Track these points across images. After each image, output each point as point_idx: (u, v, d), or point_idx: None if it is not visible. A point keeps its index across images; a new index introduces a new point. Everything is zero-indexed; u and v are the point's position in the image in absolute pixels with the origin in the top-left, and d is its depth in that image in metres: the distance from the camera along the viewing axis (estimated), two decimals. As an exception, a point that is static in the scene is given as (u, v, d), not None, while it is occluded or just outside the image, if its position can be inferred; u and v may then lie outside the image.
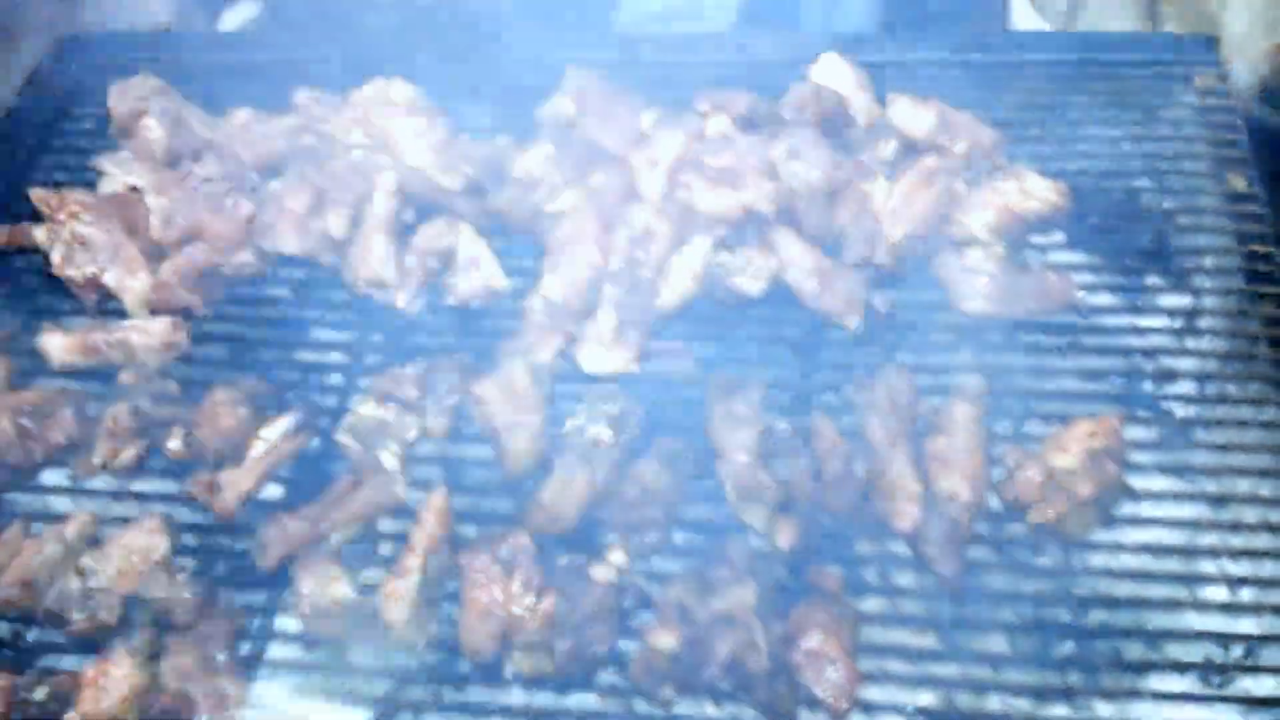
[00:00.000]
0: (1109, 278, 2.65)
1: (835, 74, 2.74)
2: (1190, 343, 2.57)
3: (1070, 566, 2.26)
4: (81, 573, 2.17)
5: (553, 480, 2.24)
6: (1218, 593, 2.25)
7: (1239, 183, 2.73)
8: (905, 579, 2.30)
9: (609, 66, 2.94)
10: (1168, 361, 2.52)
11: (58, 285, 2.67)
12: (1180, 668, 2.15)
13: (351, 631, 2.16)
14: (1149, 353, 2.52)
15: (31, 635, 2.24)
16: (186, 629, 2.13)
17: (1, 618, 2.23)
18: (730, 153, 2.55)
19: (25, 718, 2.05)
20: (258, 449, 2.35)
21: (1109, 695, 2.16)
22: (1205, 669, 2.17)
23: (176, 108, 2.86)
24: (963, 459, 2.24)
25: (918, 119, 2.68)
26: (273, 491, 2.42)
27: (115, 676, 2.05)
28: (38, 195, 2.72)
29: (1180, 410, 2.47)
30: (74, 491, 2.44)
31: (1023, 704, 2.15)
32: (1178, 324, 2.58)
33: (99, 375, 2.54)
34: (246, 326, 2.68)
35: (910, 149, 2.71)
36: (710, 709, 2.13)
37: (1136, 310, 2.62)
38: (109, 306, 2.66)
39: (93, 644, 2.15)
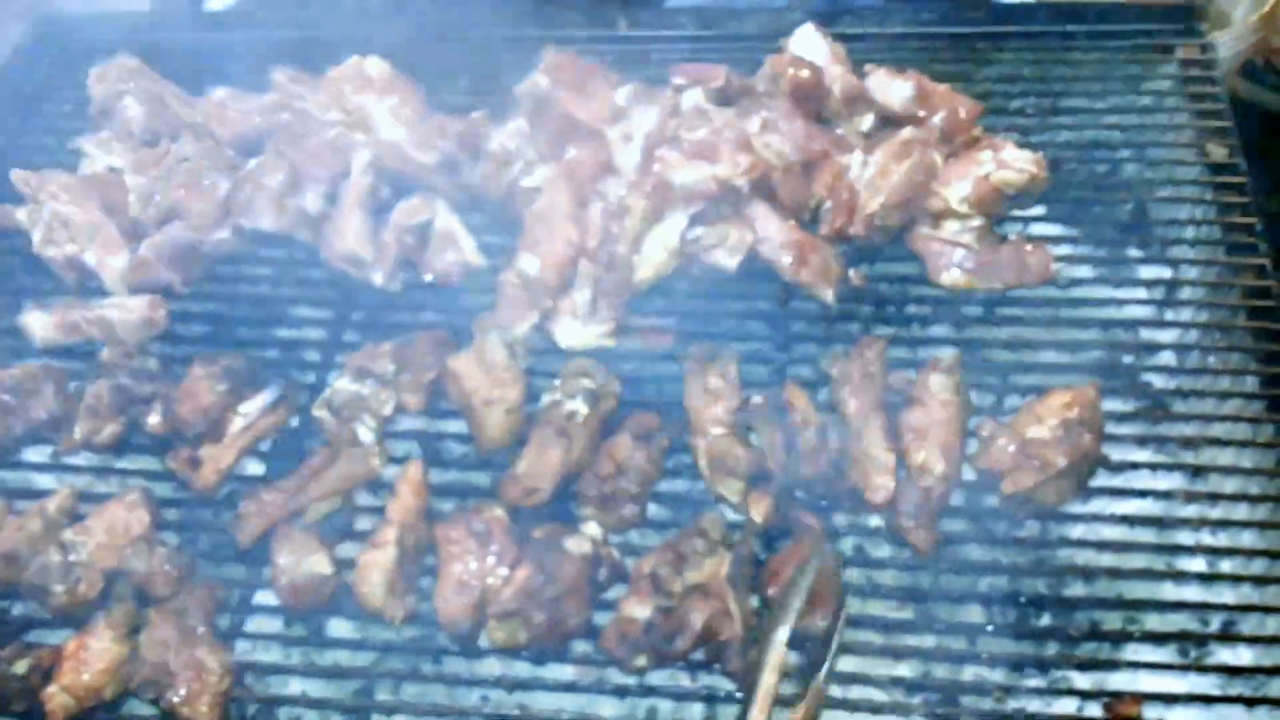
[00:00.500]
0: (1089, 250, 2.65)
1: (812, 46, 2.72)
2: (1170, 314, 2.57)
3: (1048, 538, 2.27)
4: (63, 547, 2.18)
5: (527, 453, 2.25)
6: (1196, 564, 2.25)
7: (1220, 153, 2.72)
8: (882, 551, 2.31)
9: (586, 42, 2.94)
10: (1148, 333, 2.52)
11: (39, 265, 2.69)
12: (1158, 639, 2.15)
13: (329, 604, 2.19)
14: (1129, 325, 2.52)
15: (13, 609, 2.27)
16: (166, 602, 2.14)
17: (-16, 592, 2.26)
18: (705, 127, 2.54)
19: (6, 690, 2.07)
20: (237, 425, 2.36)
21: (1086, 666, 2.18)
22: (1183, 640, 2.18)
23: (155, 88, 2.87)
24: (937, 431, 2.24)
25: (895, 91, 2.67)
26: (255, 468, 2.44)
27: (95, 649, 2.07)
28: (18, 176, 2.73)
29: (1160, 382, 2.47)
30: (56, 468, 2.46)
31: (999, 675, 2.17)
32: (1158, 295, 2.58)
33: (80, 353, 2.56)
34: (227, 304, 2.69)
35: (888, 121, 2.70)
36: (685, 680, 2.15)
37: (1117, 282, 2.62)
38: (90, 286, 2.67)
39: (74, 618, 2.16)
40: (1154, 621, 2.19)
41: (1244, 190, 2.64)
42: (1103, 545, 2.22)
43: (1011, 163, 2.55)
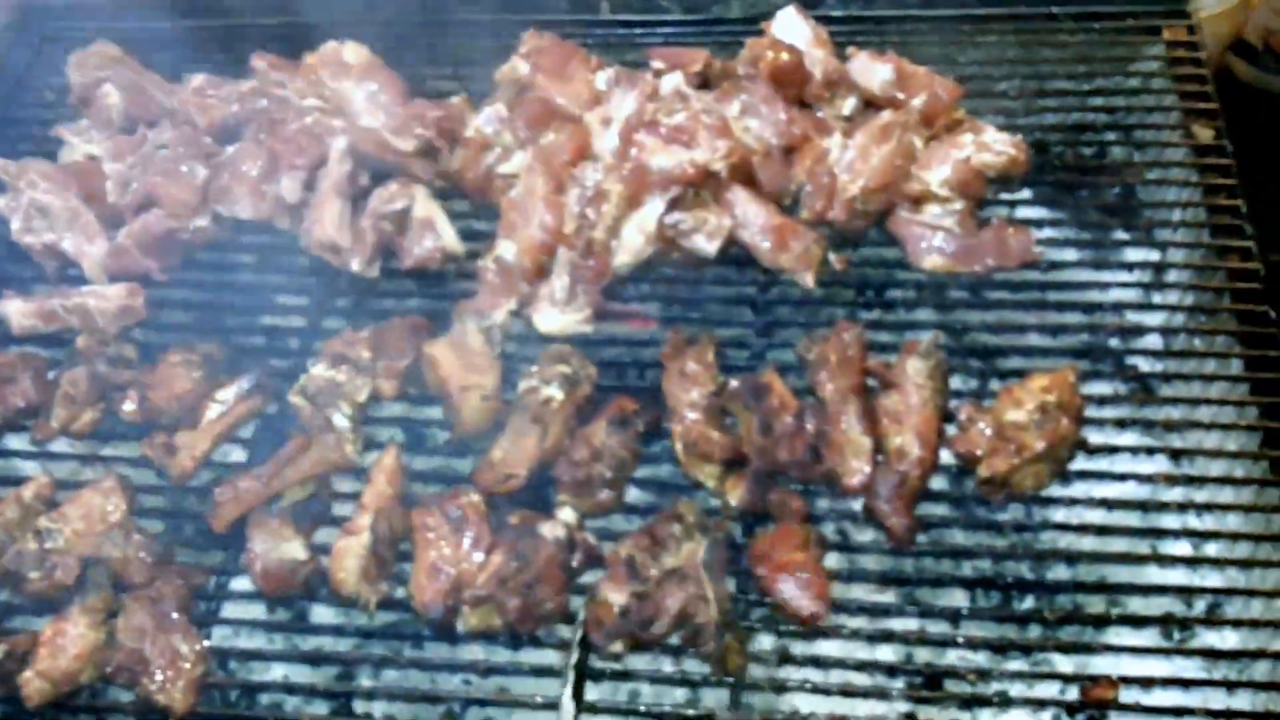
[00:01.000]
0: (1075, 232, 2.64)
1: (794, 29, 2.72)
2: (1155, 297, 2.55)
3: (1031, 521, 2.26)
4: (39, 534, 2.18)
5: (503, 440, 2.25)
6: (1181, 547, 2.24)
7: (1206, 134, 2.70)
8: (864, 535, 2.30)
9: (569, 27, 2.93)
10: (1133, 316, 2.50)
11: (17, 253, 2.69)
12: (1141, 622, 2.14)
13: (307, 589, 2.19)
14: (1114, 307, 2.50)
15: (-10, 596, 2.27)
16: (142, 589, 2.14)
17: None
18: (684, 111, 2.53)
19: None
20: (213, 411, 2.36)
21: (1069, 650, 2.17)
22: (1167, 623, 2.17)
23: (135, 76, 2.87)
24: (914, 415, 2.23)
25: (875, 73, 2.66)
26: (239, 455, 2.45)
27: (71, 636, 2.07)
28: (-3, 165, 2.74)
29: (1145, 365, 2.46)
30: (39, 455, 2.46)
31: (981, 659, 2.17)
32: (1143, 278, 2.56)
33: (59, 341, 2.56)
34: (208, 292, 2.69)
35: (871, 105, 2.69)
36: (665, 665, 2.15)
37: (1102, 265, 2.61)
38: (69, 274, 2.67)
39: (50, 604, 2.16)
40: (1137, 605, 2.18)
41: (1230, 172, 2.62)
42: (1086, 529, 2.21)
43: (991, 145, 2.54)
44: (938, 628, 2.16)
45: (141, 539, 2.20)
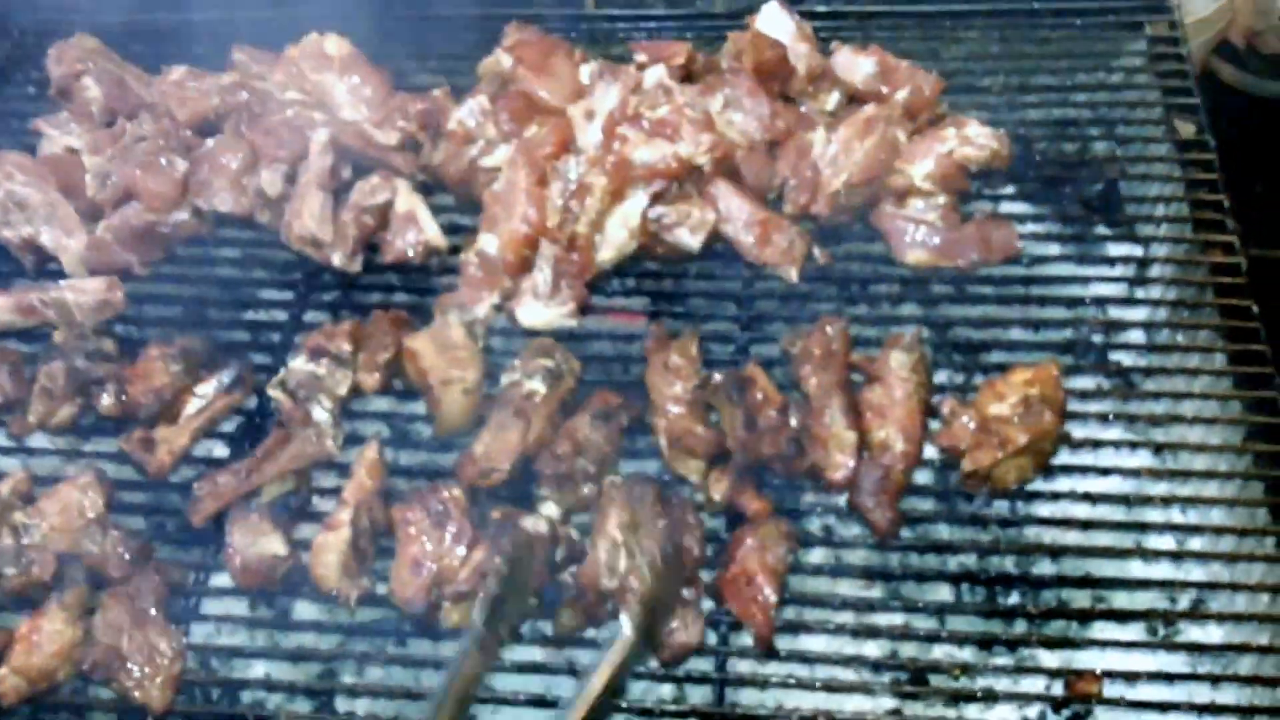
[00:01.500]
0: (1058, 228, 2.63)
1: (778, 23, 2.71)
2: (1139, 292, 2.56)
3: (1016, 516, 2.25)
4: (15, 530, 2.16)
5: (486, 433, 2.24)
6: (1165, 542, 2.24)
7: (1188, 129, 2.71)
8: (850, 530, 2.30)
9: (553, 21, 2.92)
10: (1116, 311, 2.50)
11: (-3, 247, 2.67)
12: (1126, 617, 2.15)
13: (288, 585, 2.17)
14: (1097, 302, 2.50)
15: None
16: (121, 585, 2.12)
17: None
18: (668, 104, 2.52)
19: (-42, 673, 2.05)
20: (192, 406, 2.34)
21: (1054, 645, 2.16)
22: (1152, 618, 2.18)
23: (115, 68, 2.85)
24: (897, 409, 2.22)
25: (858, 67, 2.66)
26: (222, 451, 2.43)
27: (48, 632, 2.05)
28: (-27, 157, 2.71)
29: (1128, 360, 2.46)
30: (11, 450, 2.44)
31: (967, 654, 2.16)
32: (1126, 273, 2.57)
33: (38, 335, 2.54)
34: (189, 286, 2.67)
35: (854, 99, 2.69)
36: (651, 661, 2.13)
37: (1085, 260, 2.61)
38: (49, 268, 2.65)
39: (27, 600, 2.14)
40: (1122, 599, 2.19)
41: (1212, 167, 2.62)
42: (1071, 523, 2.21)
43: (974, 139, 2.54)
44: (923, 623, 2.14)
45: (120, 535, 2.17)
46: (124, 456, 2.33)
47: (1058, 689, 2.08)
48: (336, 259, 2.55)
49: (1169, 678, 2.04)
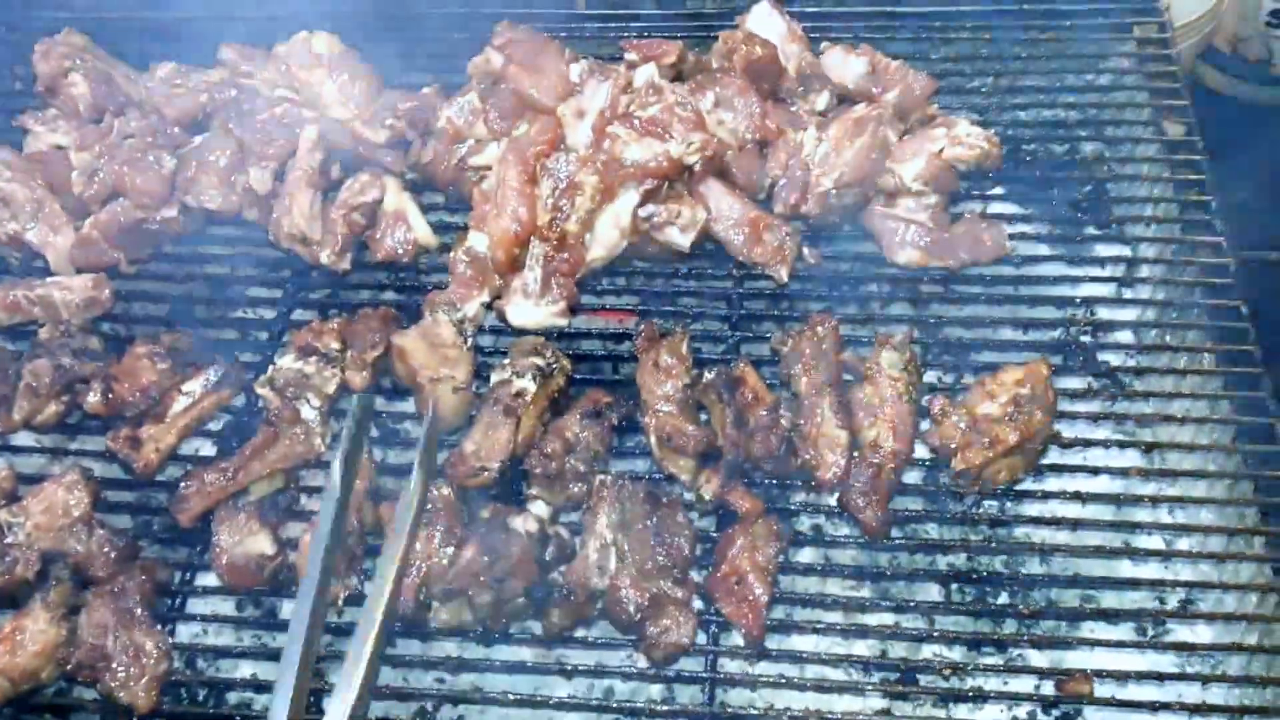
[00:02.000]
0: (1047, 228, 2.64)
1: (768, 23, 2.72)
2: (1127, 293, 2.56)
3: (1005, 515, 2.25)
4: (0, 528, 2.14)
5: (476, 432, 2.22)
6: (1154, 542, 2.24)
7: (1177, 130, 2.72)
8: (839, 529, 2.29)
9: (543, 20, 2.91)
10: (1105, 311, 2.51)
11: (-18, 244, 2.65)
12: (1116, 616, 2.15)
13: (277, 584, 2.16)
14: (1086, 303, 2.50)
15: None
16: (106, 584, 2.10)
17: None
18: (659, 103, 2.52)
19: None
20: (179, 404, 2.33)
21: (1044, 644, 2.16)
22: (1141, 617, 2.18)
23: (102, 65, 2.84)
24: (888, 408, 2.22)
25: (849, 67, 2.66)
26: (210, 450, 2.41)
27: (32, 632, 2.04)
28: (-42, 155, 2.69)
29: (1117, 359, 2.46)
30: (5, 449, 2.42)
31: (957, 653, 2.16)
32: (1115, 274, 2.57)
33: (23, 333, 2.53)
34: (177, 284, 2.66)
35: (845, 99, 2.69)
36: (640, 660, 2.12)
37: (1074, 260, 2.61)
38: (35, 265, 2.64)
39: (10, 599, 2.13)
40: (1111, 599, 2.19)
41: (1200, 168, 2.63)
42: (1060, 523, 2.21)
43: (964, 139, 2.55)
44: (912, 622, 2.15)
45: (105, 533, 2.16)
46: (110, 455, 2.32)
47: (1047, 688, 2.08)
48: (325, 257, 2.54)
49: (1159, 677, 2.04)
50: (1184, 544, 2.25)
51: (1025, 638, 2.15)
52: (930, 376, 2.37)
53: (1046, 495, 2.24)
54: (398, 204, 2.56)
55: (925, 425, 2.26)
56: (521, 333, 2.44)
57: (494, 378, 2.30)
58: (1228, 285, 2.46)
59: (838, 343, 2.31)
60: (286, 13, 3.01)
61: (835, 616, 2.14)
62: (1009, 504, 2.25)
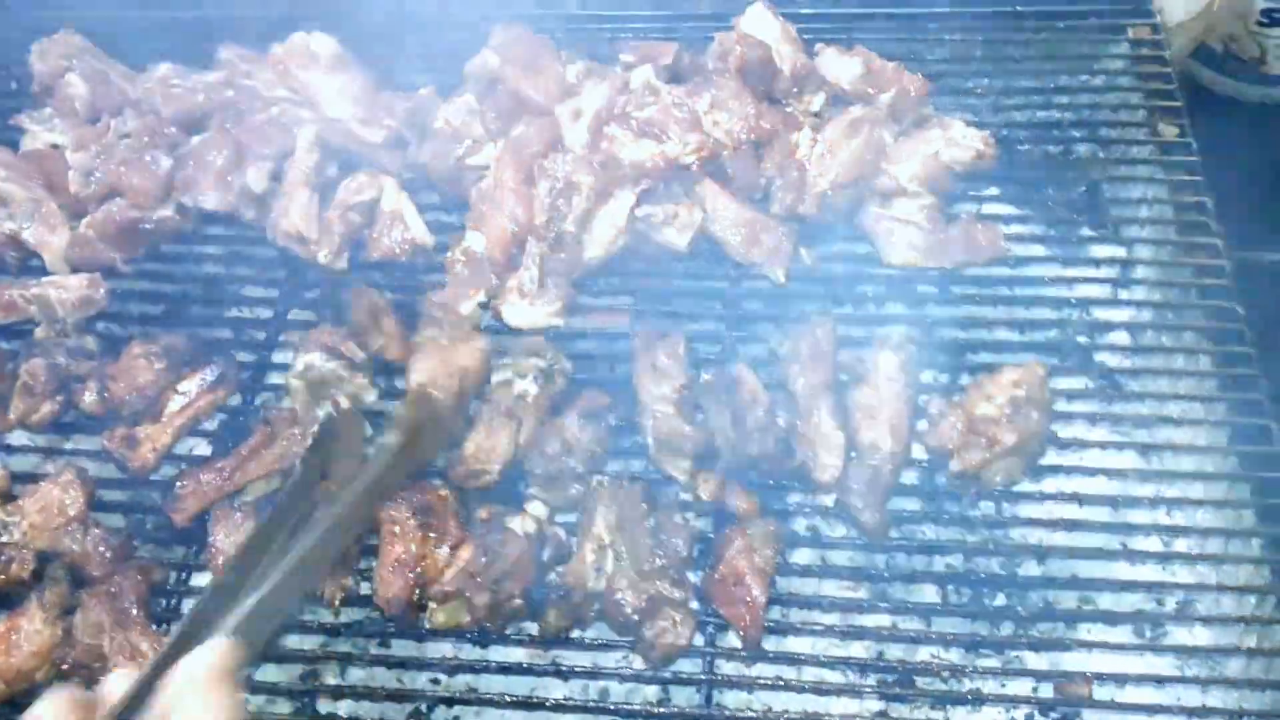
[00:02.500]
0: (1042, 229, 2.64)
1: (763, 24, 2.72)
2: (1123, 293, 2.56)
3: (1002, 517, 2.25)
4: (-5, 528, 2.14)
5: (476, 433, 2.22)
6: (1151, 543, 2.24)
7: (1171, 131, 2.72)
8: (835, 531, 2.29)
9: (538, 21, 2.91)
10: (1100, 312, 2.51)
11: (-22, 244, 2.64)
12: (1113, 618, 2.15)
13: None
14: (1081, 304, 2.51)
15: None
16: (101, 584, 2.10)
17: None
18: (655, 104, 2.52)
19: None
20: (175, 404, 2.32)
21: (1041, 646, 2.16)
22: (1138, 619, 2.17)
23: (99, 64, 2.84)
24: (886, 409, 2.22)
25: (844, 69, 2.66)
26: (204, 449, 2.41)
27: (26, 632, 2.04)
28: (-45, 154, 2.69)
29: (1113, 361, 2.46)
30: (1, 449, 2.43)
31: (954, 655, 2.15)
32: (1110, 274, 2.57)
33: (19, 332, 2.53)
34: (174, 284, 2.66)
35: (840, 100, 2.70)
36: (637, 662, 2.12)
37: (1069, 261, 2.61)
38: (31, 264, 2.64)
39: (5, 599, 2.13)
40: (1109, 601, 2.18)
41: (1195, 169, 2.64)
42: (1057, 524, 2.21)
43: (960, 140, 2.55)
44: (910, 624, 2.14)
45: (100, 533, 2.16)
46: (105, 454, 2.32)
47: (1045, 691, 2.08)
48: (322, 256, 2.54)
49: (1158, 680, 2.04)
50: (1181, 545, 2.25)
51: (1023, 639, 2.15)
52: (925, 377, 2.36)
53: (1044, 496, 2.24)
54: (395, 204, 2.55)
55: (922, 426, 2.27)
56: (517, 332, 2.43)
57: (494, 379, 2.30)
58: (1224, 286, 2.46)
59: (835, 343, 2.31)
60: (284, 13, 3.01)
61: (832, 618, 2.13)
62: (1006, 505, 2.25)
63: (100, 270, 2.57)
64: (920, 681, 2.12)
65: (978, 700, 2.10)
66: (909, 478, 2.26)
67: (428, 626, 2.09)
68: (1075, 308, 2.50)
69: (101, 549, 2.13)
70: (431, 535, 2.09)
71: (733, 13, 2.82)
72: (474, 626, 2.07)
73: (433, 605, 2.05)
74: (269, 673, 2.19)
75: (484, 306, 2.45)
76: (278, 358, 2.50)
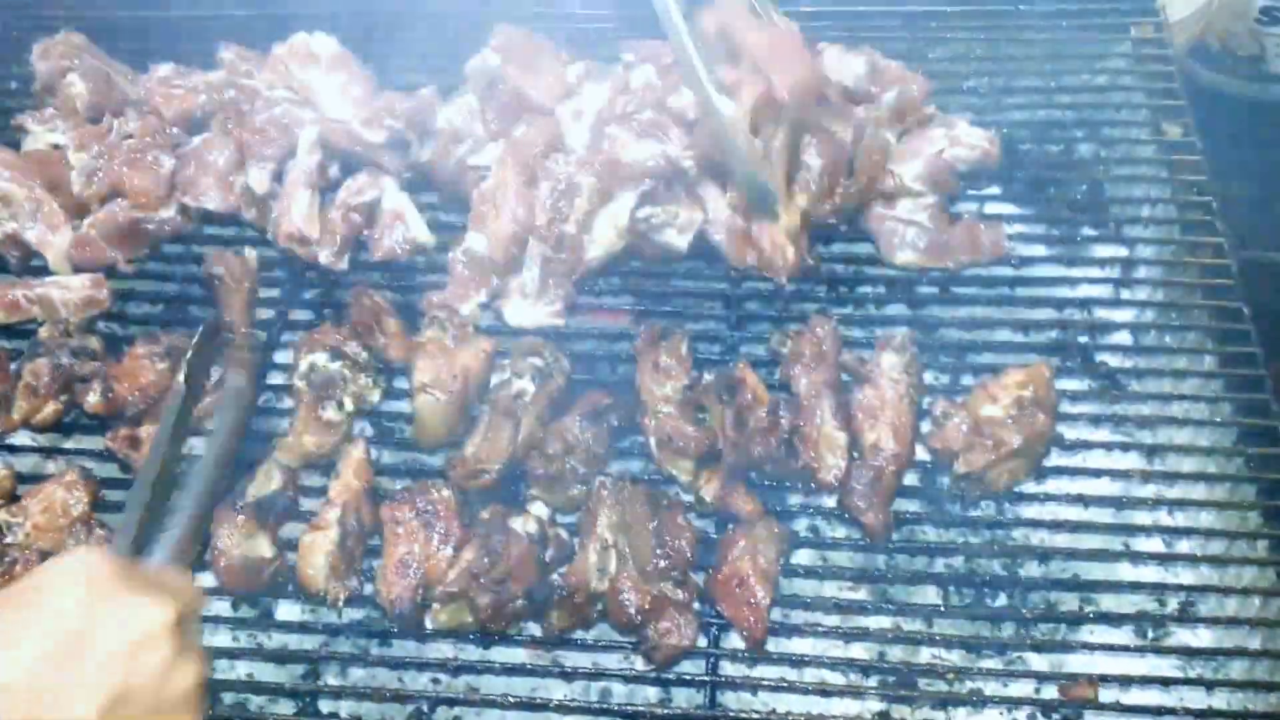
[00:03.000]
0: (1044, 229, 2.63)
1: (764, 25, 2.71)
2: (1125, 293, 2.55)
3: (1004, 518, 2.24)
4: (-1, 529, 2.14)
5: (476, 434, 2.22)
6: (1154, 544, 2.24)
7: (1174, 131, 2.71)
8: (836, 532, 2.29)
9: (538, 20, 2.91)
10: (1103, 313, 2.51)
11: (-19, 244, 2.64)
12: (1115, 620, 2.14)
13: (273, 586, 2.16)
14: (1084, 304, 2.50)
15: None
16: (104, 585, 2.09)
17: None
18: (656, 104, 2.51)
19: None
20: (178, 403, 2.31)
21: (1043, 648, 2.15)
22: (1141, 621, 2.17)
23: (100, 65, 2.83)
24: (889, 410, 2.22)
25: (847, 67, 2.65)
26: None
27: (29, 633, 2.02)
28: (-44, 154, 2.69)
29: (1115, 361, 2.45)
30: (2, 449, 2.42)
31: (955, 657, 2.15)
32: (1113, 274, 2.57)
33: (21, 332, 2.52)
34: (176, 284, 2.66)
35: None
36: (639, 663, 2.12)
37: (1072, 261, 2.60)
38: (33, 265, 2.64)
39: (8, 601, 2.11)
40: (1111, 602, 2.17)
41: (1199, 169, 2.63)
42: (1059, 525, 2.20)
43: (964, 139, 2.55)
44: (912, 625, 2.14)
45: (104, 533, 2.15)
46: (109, 454, 2.32)
47: (1047, 692, 2.07)
48: (323, 257, 2.54)
49: (1163, 682, 2.04)
50: (1185, 546, 2.25)
51: (1025, 641, 2.15)
52: (927, 378, 2.36)
53: (1046, 498, 2.24)
54: (396, 204, 2.56)
55: (925, 427, 2.26)
56: (519, 333, 2.43)
57: (493, 379, 2.30)
58: (1229, 286, 2.45)
59: (837, 344, 2.31)
60: (285, 13, 3.01)
61: (834, 619, 2.12)
62: (1008, 506, 2.25)
63: (102, 270, 2.57)
64: (922, 683, 2.12)
65: (980, 702, 2.09)
66: (909, 478, 2.25)
67: (430, 627, 2.09)
68: (1078, 308, 2.49)
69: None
70: (434, 535, 2.09)
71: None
72: (476, 627, 2.07)
73: (436, 605, 2.05)
74: (271, 672, 2.19)
75: (485, 307, 2.45)
76: (279, 358, 2.49)
